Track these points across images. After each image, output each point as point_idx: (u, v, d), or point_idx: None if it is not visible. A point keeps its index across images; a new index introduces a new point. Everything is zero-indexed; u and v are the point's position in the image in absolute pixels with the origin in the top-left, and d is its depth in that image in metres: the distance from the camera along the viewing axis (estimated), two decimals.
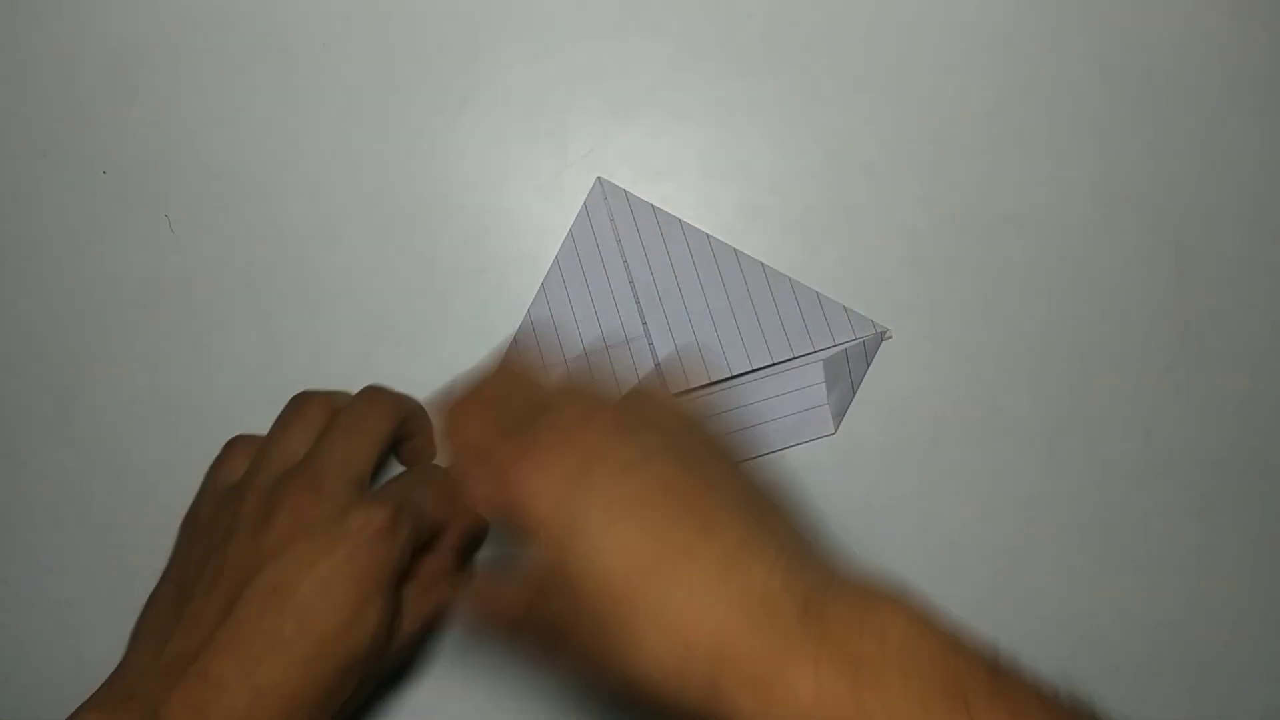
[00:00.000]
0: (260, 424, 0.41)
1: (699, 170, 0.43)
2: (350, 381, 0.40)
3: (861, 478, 0.42)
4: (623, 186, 0.43)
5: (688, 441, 0.32)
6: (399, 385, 0.40)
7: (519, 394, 0.35)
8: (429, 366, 0.40)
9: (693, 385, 0.41)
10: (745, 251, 0.42)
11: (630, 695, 0.28)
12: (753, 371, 0.41)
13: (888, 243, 0.42)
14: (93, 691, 0.32)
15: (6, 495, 0.43)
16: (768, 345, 0.41)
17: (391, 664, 0.36)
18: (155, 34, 0.44)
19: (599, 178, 0.43)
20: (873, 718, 0.25)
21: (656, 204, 0.42)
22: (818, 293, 0.42)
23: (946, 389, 0.42)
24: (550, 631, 0.31)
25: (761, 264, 0.42)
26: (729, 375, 0.41)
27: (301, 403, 0.38)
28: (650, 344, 0.42)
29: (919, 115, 0.44)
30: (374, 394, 0.38)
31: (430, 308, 0.43)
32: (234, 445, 0.39)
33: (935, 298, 0.42)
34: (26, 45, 0.44)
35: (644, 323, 0.42)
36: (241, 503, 0.35)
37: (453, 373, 0.41)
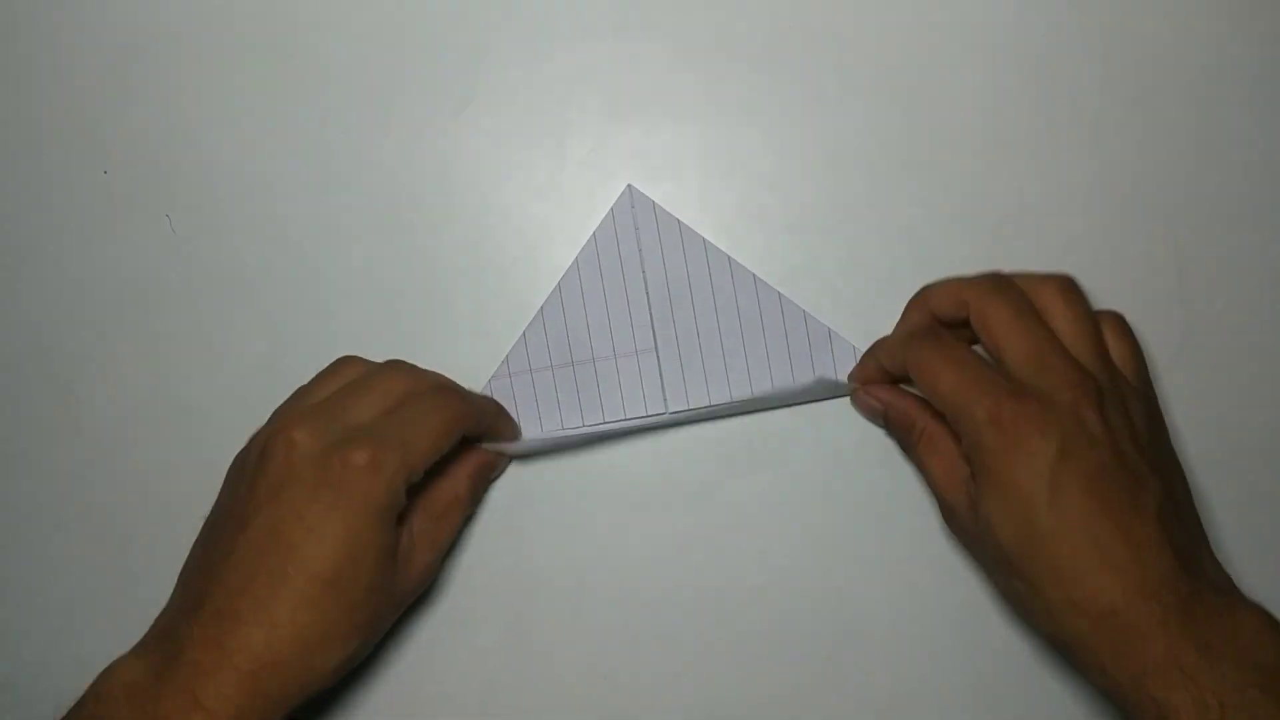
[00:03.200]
0: (260, 424, 0.41)
1: (699, 170, 0.43)
2: None
3: (862, 478, 0.42)
4: (652, 198, 0.43)
5: (1143, 434, 0.35)
6: None
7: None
8: (429, 366, 0.40)
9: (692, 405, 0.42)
10: (764, 279, 0.42)
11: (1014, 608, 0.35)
12: (752, 399, 0.42)
13: (888, 243, 0.42)
14: None
15: (6, 495, 0.43)
16: (771, 374, 0.42)
17: (411, 593, 0.38)
18: (155, 34, 0.44)
19: (630, 185, 0.43)
20: (1204, 690, 0.30)
21: (683, 220, 0.42)
22: (829, 329, 0.42)
23: None
24: (963, 531, 0.37)
25: (779, 294, 0.42)
26: (729, 400, 0.42)
27: (390, 371, 0.39)
28: (658, 358, 0.42)
29: (919, 115, 0.44)
30: (449, 398, 0.39)
31: (430, 308, 0.43)
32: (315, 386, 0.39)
33: None
34: (26, 45, 0.44)
35: (655, 336, 0.42)
36: (255, 456, 0.36)
37: (453, 373, 0.41)
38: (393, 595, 0.36)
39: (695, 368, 0.42)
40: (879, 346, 0.41)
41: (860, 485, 0.42)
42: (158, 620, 0.35)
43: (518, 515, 0.42)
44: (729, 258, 0.42)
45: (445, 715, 0.42)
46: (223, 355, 0.43)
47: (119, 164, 0.44)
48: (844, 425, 0.42)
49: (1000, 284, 0.37)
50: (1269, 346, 0.43)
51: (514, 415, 0.42)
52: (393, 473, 0.35)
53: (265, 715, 0.33)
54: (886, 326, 0.41)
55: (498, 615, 0.42)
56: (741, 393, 0.42)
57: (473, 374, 0.42)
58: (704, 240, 0.42)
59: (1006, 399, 0.34)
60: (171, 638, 0.33)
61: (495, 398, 0.42)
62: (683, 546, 0.42)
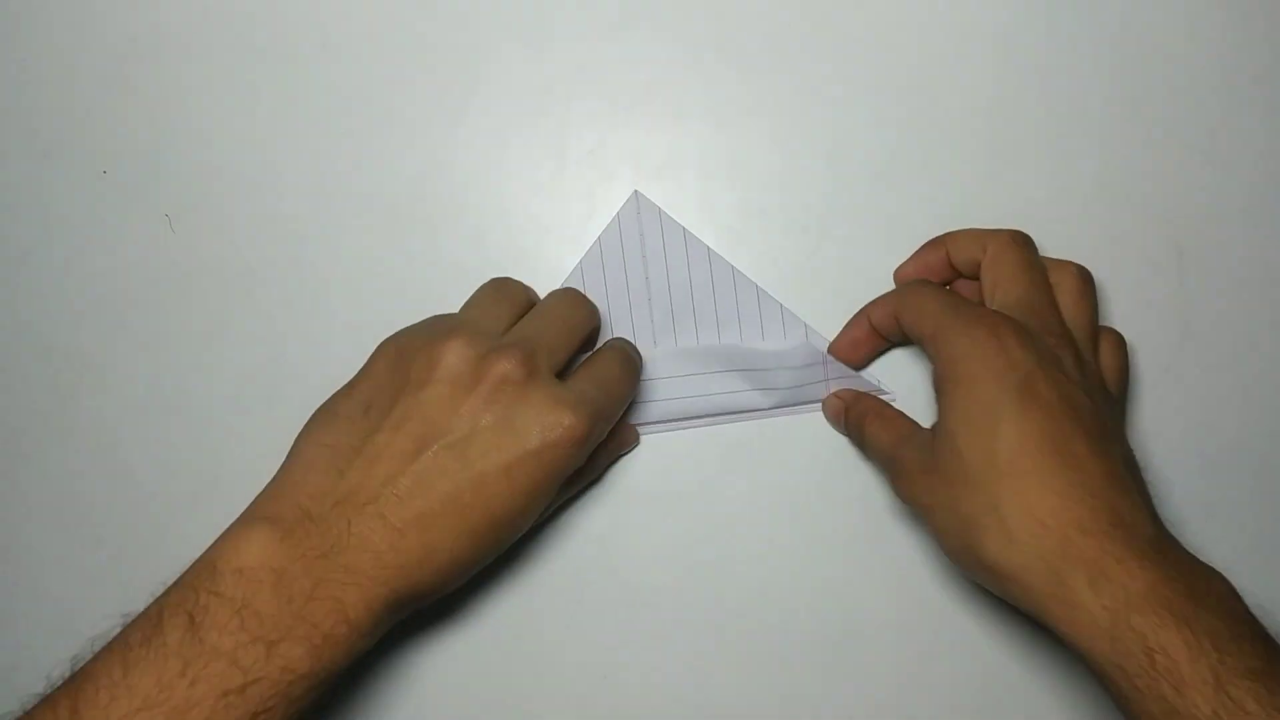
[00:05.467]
0: (260, 424, 0.41)
1: (699, 170, 0.43)
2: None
3: (863, 478, 0.42)
4: (659, 204, 0.43)
5: (1110, 422, 0.35)
6: None
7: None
8: None
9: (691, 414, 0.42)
10: (766, 280, 0.42)
11: (963, 559, 0.34)
12: (743, 413, 0.42)
13: (888, 243, 0.42)
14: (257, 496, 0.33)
15: (6, 495, 0.43)
16: (766, 389, 0.42)
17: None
18: (155, 34, 0.44)
19: (636, 191, 0.43)
20: (1185, 619, 0.29)
21: (688, 228, 0.42)
22: (827, 350, 0.42)
23: None
24: (912, 471, 0.36)
25: (780, 305, 0.42)
26: (721, 411, 0.42)
27: (505, 285, 0.40)
28: (656, 362, 0.42)
29: (919, 115, 0.44)
30: (578, 296, 0.40)
31: (430, 308, 0.43)
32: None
33: None
34: (26, 45, 0.44)
35: (654, 342, 0.42)
36: (447, 353, 0.34)
37: None
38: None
39: (692, 372, 0.42)
40: (870, 305, 0.41)
41: (861, 485, 0.42)
42: (295, 489, 0.33)
43: None
44: (733, 268, 0.42)
45: (445, 715, 0.42)
46: (223, 355, 0.43)
47: (119, 164, 0.44)
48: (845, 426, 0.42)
49: (1023, 239, 0.38)
50: (1268, 347, 0.43)
51: None
52: (589, 446, 0.35)
53: (386, 627, 0.33)
54: (890, 390, 0.42)
55: (497, 615, 0.42)
56: (734, 405, 0.42)
57: None
58: (708, 249, 0.42)
59: (991, 314, 0.35)
60: (322, 528, 0.32)
61: None
62: (683, 546, 0.42)
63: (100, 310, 0.43)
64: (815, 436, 0.42)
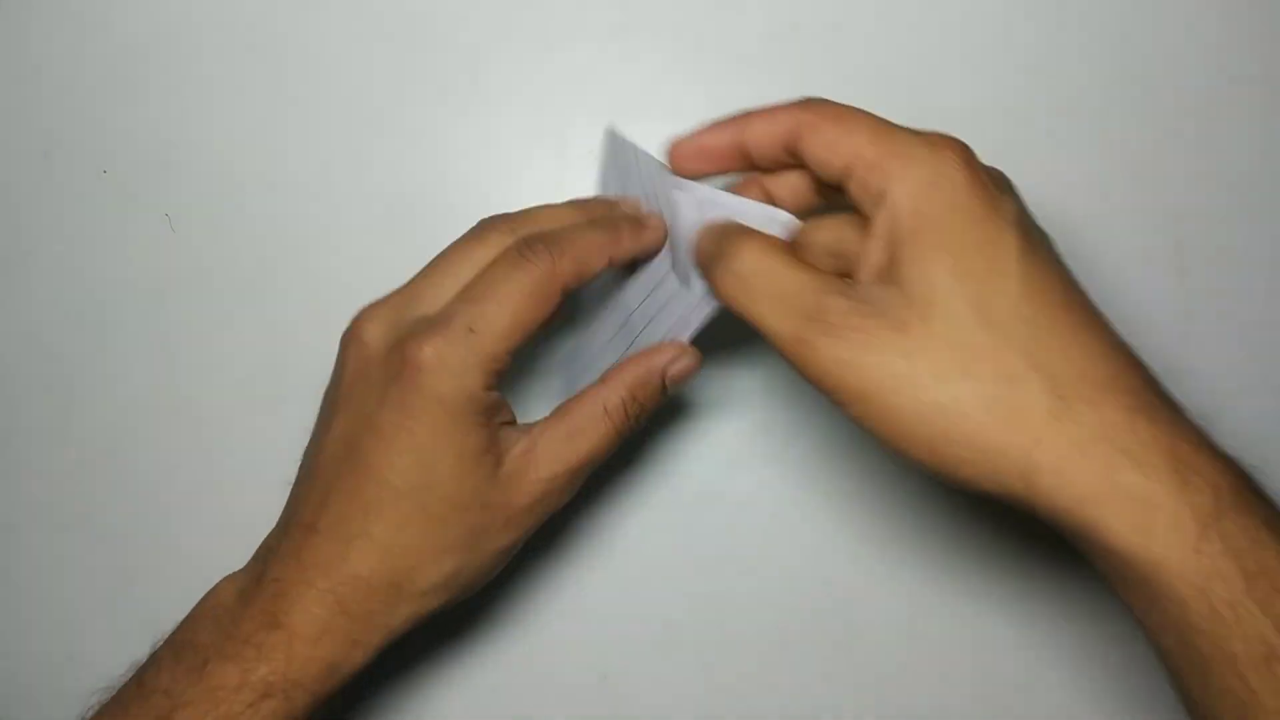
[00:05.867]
0: (260, 424, 0.41)
1: None
2: None
3: (862, 477, 0.42)
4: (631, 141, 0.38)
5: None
6: None
7: None
8: None
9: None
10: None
11: (939, 447, 0.27)
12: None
13: None
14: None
15: (6, 495, 0.43)
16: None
17: (527, 510, 0.32)
18: (155, 34, 0.44)
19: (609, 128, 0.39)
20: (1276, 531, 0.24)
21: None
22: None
23: None
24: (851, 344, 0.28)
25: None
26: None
27: (479, 232, 0.34)
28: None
29: (918, 115, 0.43)
30: (535, 256, 0.32)
31: None
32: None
33: None
34: (26, 45, 0.44)
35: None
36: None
37: None
38: (494, 509, 0.32)
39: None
40: (753, 116, 0.32)
41: (861, 485, 0.42)
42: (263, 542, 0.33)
43: None
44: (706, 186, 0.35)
45: (444, 715, 0.42)
46: (223, 355, 0.43)
47: (118, 164, 0.44)
48: (845, 424, 0.42)
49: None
50: (1268, 346, 0.43)
51: None
52: (460, 365, 0.30)
53: (356, 637, 0.31)
54: None
55: (497, 615, 0.42)
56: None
57: None
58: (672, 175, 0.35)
59: (945, 136, 0.29)
60: (261, 557, 0.32)
61: None
62: (683, 546, 0.42)
63: (100, 310, 0.43)
64: (816, 436, 0.42)
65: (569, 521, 0.42)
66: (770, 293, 0.29)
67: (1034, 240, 0.28)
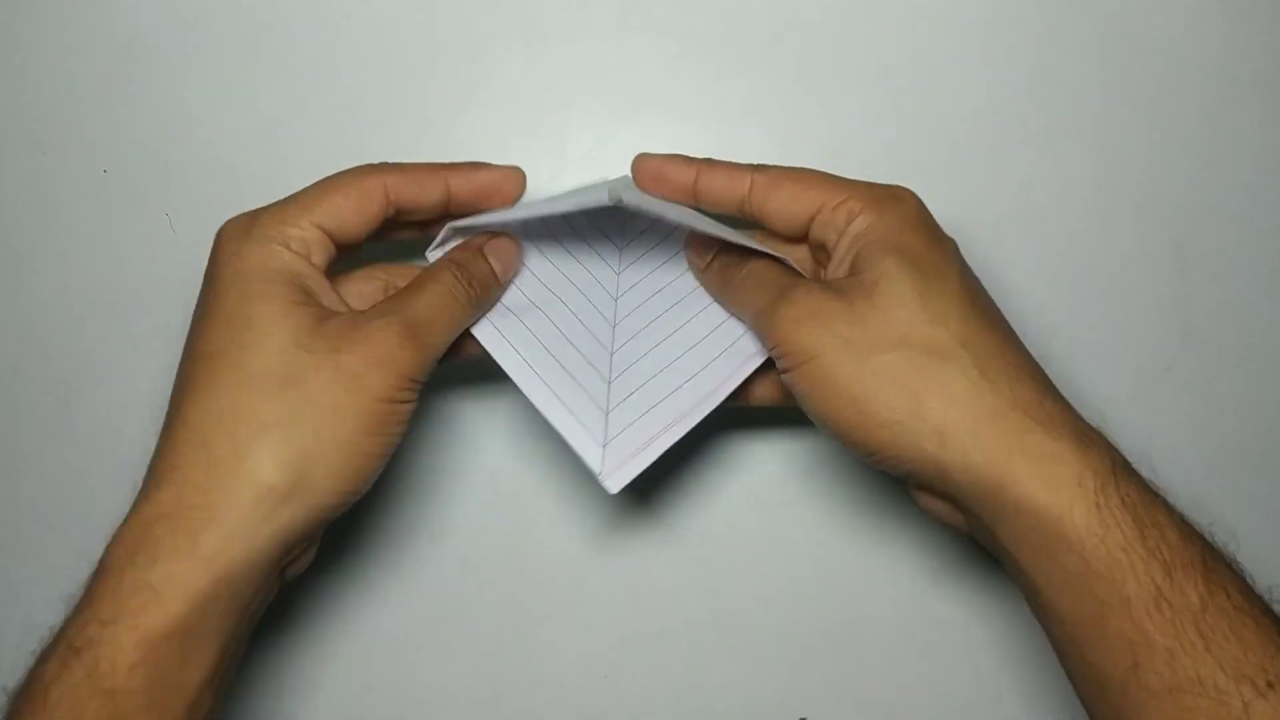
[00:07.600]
0: None
1: None
2: None
3: (863, 478, 0.42)
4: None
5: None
6: None
7: None
8: None
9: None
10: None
11: (883, 425, 0.30)
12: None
13: None
14: None
15: (6, 495, 0.43)
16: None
17: (372, 378, 0.31)
18: (155, 34, 0.44)
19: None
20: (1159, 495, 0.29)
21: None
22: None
23: None
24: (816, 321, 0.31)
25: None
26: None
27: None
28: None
29: (919, 114, 0.44)
30: (363, 169, 0.36)
31: None
32: None
33: None
34: (26, 45, 0.44)
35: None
36: None
37: (453, 369, 0.41)
38: (323, 372, 0.30)
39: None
40: (713, 169, 0.36)
41: (861, 484, 0.42)
42: None
43: (517, 514, 0.42)
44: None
45: (443, 714, 0.42)
46: None
47: (118, 163, 0.44)
48: None
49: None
50: (1268, 346, 0.43)
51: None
52: (261, 234, 0.32)
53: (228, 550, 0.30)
54: None
55: (497, 616, 0.42)
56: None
57: (473, 373, 0.42)
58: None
59: (900, 187, 0.34)
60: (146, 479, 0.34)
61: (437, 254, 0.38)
62: (683, 546, 0.42)
63: (100, 310, 0.43)
64: (816, 436, 0.42)
65: (569, 521, 0.42)
66: (751, 284, 0.34)
67: (970, 271, 0.33)
